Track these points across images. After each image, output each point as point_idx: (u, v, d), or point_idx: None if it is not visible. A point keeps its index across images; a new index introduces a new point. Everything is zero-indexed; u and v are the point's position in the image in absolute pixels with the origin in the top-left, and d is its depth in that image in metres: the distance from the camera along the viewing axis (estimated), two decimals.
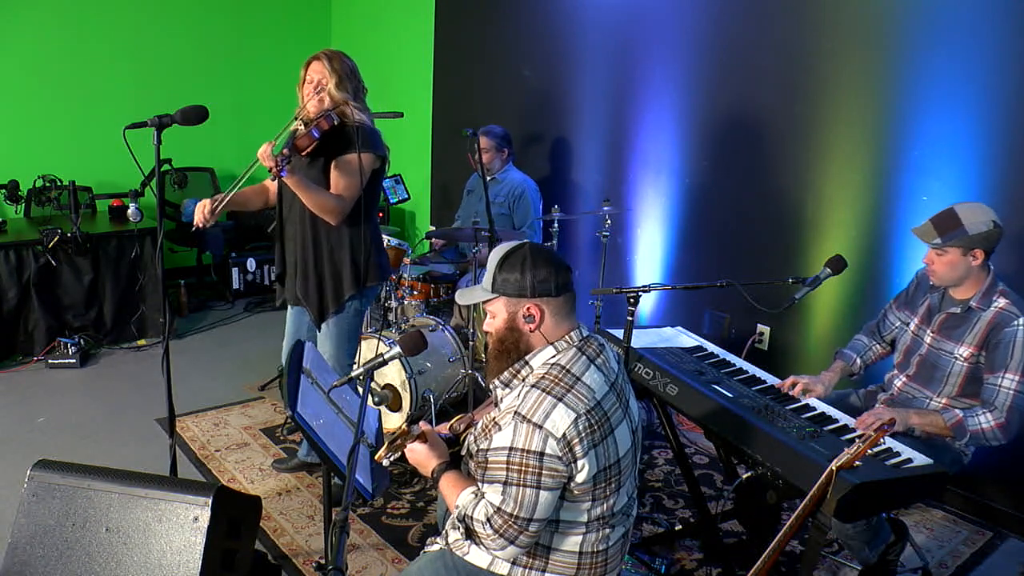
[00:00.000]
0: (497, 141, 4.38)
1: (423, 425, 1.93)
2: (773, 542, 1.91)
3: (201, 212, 2.71)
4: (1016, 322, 2.34)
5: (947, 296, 2.52)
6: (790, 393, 2.56)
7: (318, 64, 2.79)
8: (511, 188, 4.38)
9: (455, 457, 2.01)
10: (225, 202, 2.72)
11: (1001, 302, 2.39)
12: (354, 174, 2.77)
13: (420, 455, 1.88)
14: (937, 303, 2.55)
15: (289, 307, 3.10)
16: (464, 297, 1.88)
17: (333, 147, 2.79)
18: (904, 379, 2.61)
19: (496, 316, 1.80)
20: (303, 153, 2.74)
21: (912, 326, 2.62)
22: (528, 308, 1.76)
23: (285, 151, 2.58)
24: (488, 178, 4.41)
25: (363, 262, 2.91)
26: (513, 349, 1.79)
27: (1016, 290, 2.46)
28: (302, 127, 2.74)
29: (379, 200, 3.08)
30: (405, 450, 1.89)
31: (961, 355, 2.44)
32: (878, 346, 2.76)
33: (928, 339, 2.54)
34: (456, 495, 1.79)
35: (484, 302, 1.82)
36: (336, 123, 2.74)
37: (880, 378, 2.78)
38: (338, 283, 2.91)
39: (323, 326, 2.97)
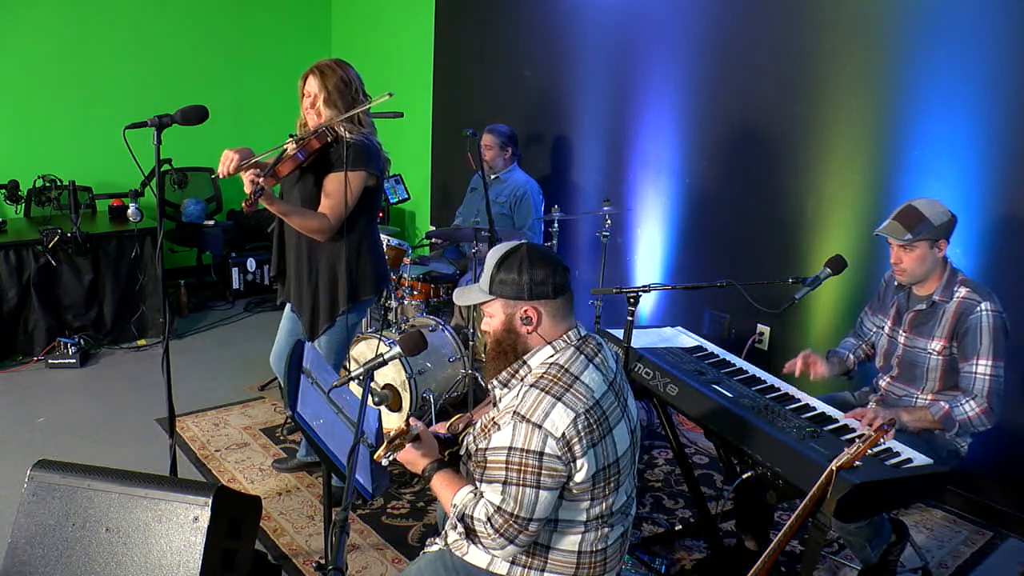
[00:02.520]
0: (501, 139, 4.37)
1: (414, 421, 1.93)
2: (773, 542, 1.91)
3: (227, 164, 2.61)
4: (978, 308, 2.41)
5: (912, 294, 2.57)
6: (795, 373, 2.60)
7: (312, 79, 2.77)
8: (514, 188, 4.38)
9: (454, 457, 2.00)
10: (253, 162, 2.65)
11: (962, 291, 2.46)
12: (339, 194, 2.75)
13: (410, 454, 1.87)
14: (904, 302, 2.60)
15: (287, 307, 3.10)
16: (461, 297, 1.88)
17: (325, 164, 2.78)
18: (888, 379, 2.66)
19: (493, 317, 1.80)
20: (283, 176, 2.72)
21: (886, 329, 2.67)
22: (525, 311, 1.76)
23: (260, 181, 2.53)
24: (492, 177, 4.41)
25: (356, 277, 2.90)
26: (511, 350, 1.79)
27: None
28: (291, 147, 2.72)
29: (377, 213, 3.07)
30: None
31: (934, 349, 2.49)
32: (864, 345, 2.80)
33: (902, 339, 2.59)
34: (451, 494, 1.79)
35: (481, 303, 1.81)
36: (330, 139, 2.72)
37: (870, 380, 2.81)
38: (333, 298, 2.90)
39: (316, 340, 2.97)
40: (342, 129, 2.74)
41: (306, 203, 2.81)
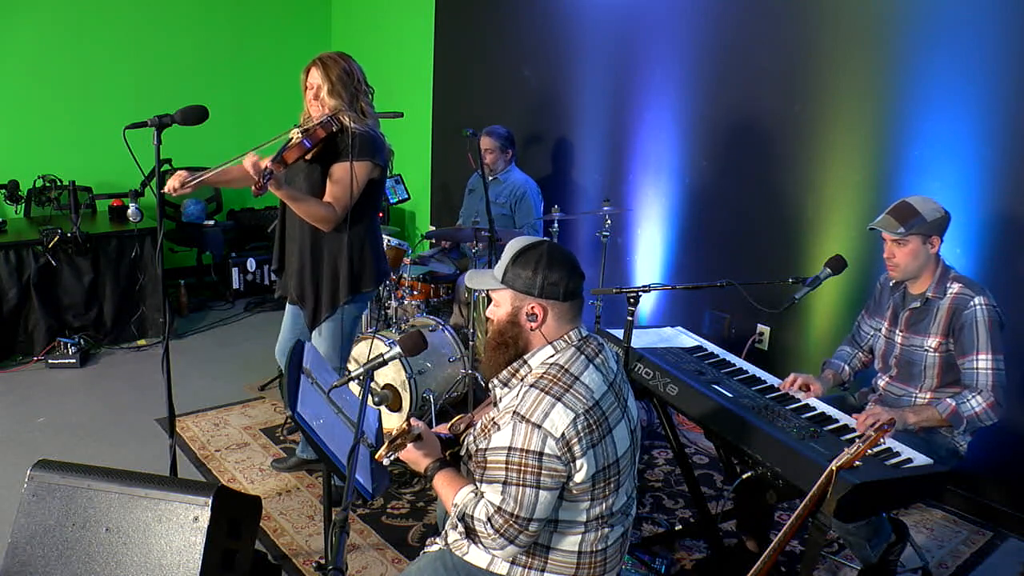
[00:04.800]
0: (500, 141, 4.37)
1: (415, 422, 1.93)
2: (773, 542, 1.91)
3: (174, 179, 2.65)
4: (972, 303, 2.42)
5: (907, 293, 2.58)
6: (791, 391, 2.58)
7: (315, 71, 2.79)
8: (513, 188, 4.38)
9: (455, 457, 2.01)
10: (200, 180, 2.68)
11: (955, 287, 2.47)
12: (345, 183, 2.76)
13: (413, 453, 1.88)
14: (900, 302, 2.61)
15: (288, 304, 3.11)
16: (473, 280, 1.90)
17: (331, 154, 2.79)
18: (887, 379, 2.66)
19: (500, 306, 1.81)
20: (291, 163, 2.72)
21: (883, 330, 2.68)
22: (533, 307, 1.76)
23: (269, 166, 2.55)
24: (490, 178, 4.41)
25: (357, 268, 2.91)
26: (512, 343, 1.79)
27: None
28: (297, 135, 2.73)
29: (380, 205, 3.08)
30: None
31: (930, 346, 2.50)
32: (860, 354, 2.80)
33: (899, 339, 2.60)
34: (452, 493, 1.80)
35: (491, 290, 1.82)
36: (335, 129, 2.73)
37: (868, 382, 2.81)
38: (335, 287, 2.92)
39: (316, 328, 2.98)
40: (347, 119, 2.76)
41: (312, 193, 2.82)
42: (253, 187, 2.53)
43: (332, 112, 2.75)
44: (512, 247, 1.80)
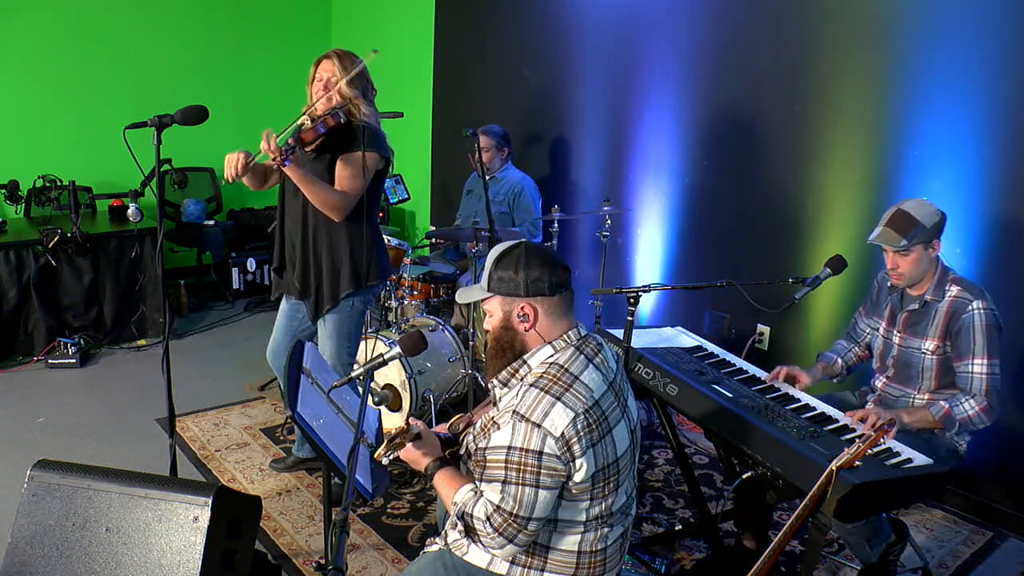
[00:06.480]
0: (497, 140, 4.38)
1: (414, 421, 1.94)
2: (773, 542, 1.91)
3: (233, 166, 2.61)
4: (970, 307, 2.41)
5: (906, 295, 2.57)
6: (776, 383, 2.60)
7: (328, 63, 2.82)
8: (510, 187, 4.38)
9: (454, 457, 2.01)
10: (254, 162, 2.68)
11: (954, 290, 2.46)
12: (358, 172, 2.78)
13: (413, 453, 1.89)
14: (898, 303, 2.60)
15: (284, 300, 3.10)
16: (463, 296, 1.91)
17: (339, 144, 2.81)
18: (884, 380, 2.66)
19: (492, 315, 1.82)
20: (307, 147, 2.75)
21: (881, 330, 2.68)
22: (522, 307, 1.77)
23: (290, 141, 2.59)
24: (487, 177, 4.41)
25: (364, 261, 2.91)
26: (509, 348, 1.80)
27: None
28: (308, 123, 2.75)
29: (380, 200, 3.09)
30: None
31: (928, 349, 2.50)
32: (857, 348, 2.80)
33: (897, 340, 2.60)
34: (452, 492, 1.80)
35: (481, 301, 1.83)
36: (342, 121, 2.75)
37: (868, 381, 2.81)
38: (335, 280, 2.91)
39: (321, 324, 2.97)
40: (362, 109, 2.80)
41: None
42: (276, 160, 2.56)
43: (345, 103, 2.78)
44: (491, 255, 1.83)
